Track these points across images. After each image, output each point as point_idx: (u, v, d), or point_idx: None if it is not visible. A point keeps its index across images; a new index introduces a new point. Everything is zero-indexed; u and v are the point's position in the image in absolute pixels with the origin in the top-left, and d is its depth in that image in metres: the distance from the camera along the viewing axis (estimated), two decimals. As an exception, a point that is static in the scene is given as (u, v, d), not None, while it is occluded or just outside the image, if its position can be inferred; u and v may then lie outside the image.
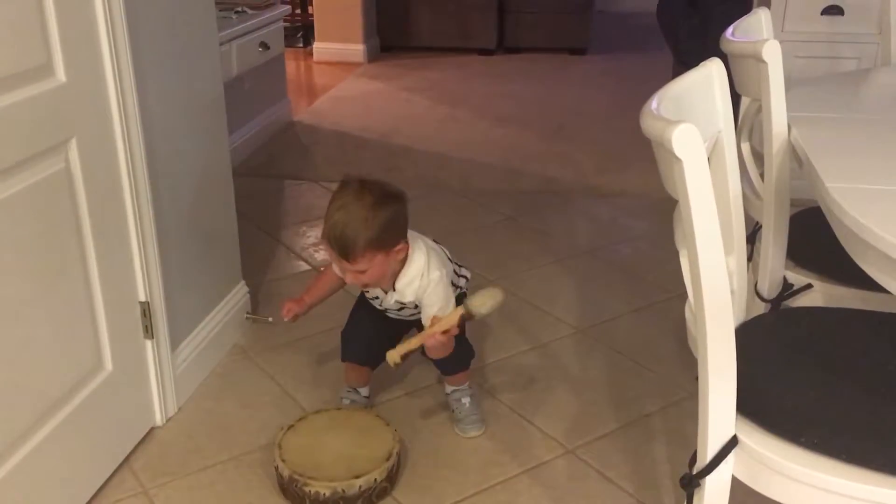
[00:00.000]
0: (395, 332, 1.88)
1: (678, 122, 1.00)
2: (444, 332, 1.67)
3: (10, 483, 1.46)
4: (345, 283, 1.82)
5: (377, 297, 1.81)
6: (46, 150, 1.50)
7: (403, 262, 1.71)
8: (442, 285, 1.72)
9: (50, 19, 1.47)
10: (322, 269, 1.87)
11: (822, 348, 1.33)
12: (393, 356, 1.70)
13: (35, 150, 1.47)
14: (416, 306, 1.78)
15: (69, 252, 1.59)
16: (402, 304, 1.77)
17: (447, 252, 1.85)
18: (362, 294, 1.87)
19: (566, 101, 4.76)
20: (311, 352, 2.20)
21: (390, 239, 1.65)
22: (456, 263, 1.87)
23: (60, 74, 1.52)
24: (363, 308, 1.90)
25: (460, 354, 1.86)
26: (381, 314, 1.86)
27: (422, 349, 1.75)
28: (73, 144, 1.57)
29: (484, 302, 1.64)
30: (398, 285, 1.72)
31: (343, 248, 1.62)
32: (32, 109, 1.46)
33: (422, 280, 1.71)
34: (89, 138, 1.62)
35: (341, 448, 1.74)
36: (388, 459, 1.71)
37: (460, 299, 1.76)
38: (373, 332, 1.87)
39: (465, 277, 1.89)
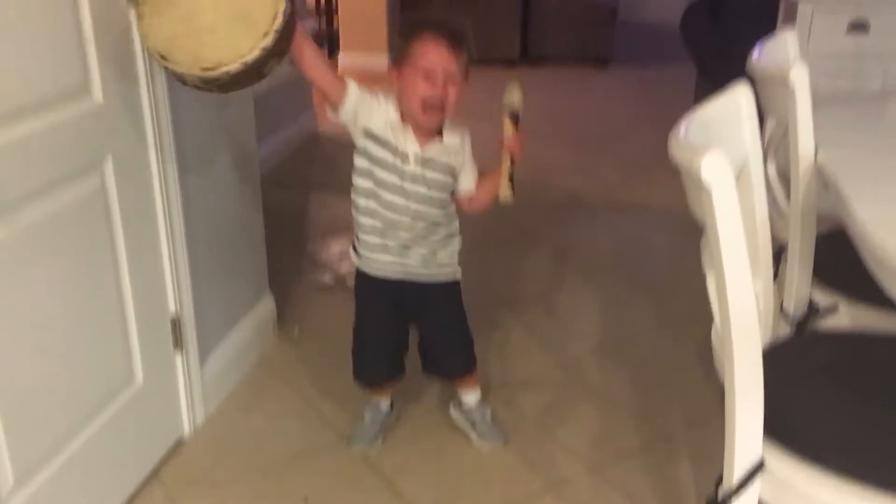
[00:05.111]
0: (401, 336, 1.87)
1: (707, 150, 1.01)
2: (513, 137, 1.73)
3: (43, 493, 1.49)
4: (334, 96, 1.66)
5: (400, 164, 1.69)
6: (83, 169, 1.54)
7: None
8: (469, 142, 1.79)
9: (88, 41, 1.51)
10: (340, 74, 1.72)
11: (850, 373, 1.33)
12: (504, 191, 1.72)
13: (72, 168, 1.51)
14: (441, 177, 1.74)
15: (103, 267, 1.63)
16: (428, 170, 1.71)
17: None
18: (361, 309, 1.86)
19: (590, 113, 4.76)
20: (336, 364, 2.21)
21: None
22: None
23: (98, 95, 1.55)
24: (367, 324, 1.87)
25: (463, 344, 1.87)
26: (386, 319, 1.83)
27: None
28: (109, 162, 1.60)
29: (513, 95, 1.72)
30: (446, 136, 1.75)
31: (456, 34, 1.65)
32: (70, 129, 1.49)
33: (462, 130, 1.77)
34: (124, 156, 1.65)
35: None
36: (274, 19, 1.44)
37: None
38: (381, 346, 1.87)
39: None
